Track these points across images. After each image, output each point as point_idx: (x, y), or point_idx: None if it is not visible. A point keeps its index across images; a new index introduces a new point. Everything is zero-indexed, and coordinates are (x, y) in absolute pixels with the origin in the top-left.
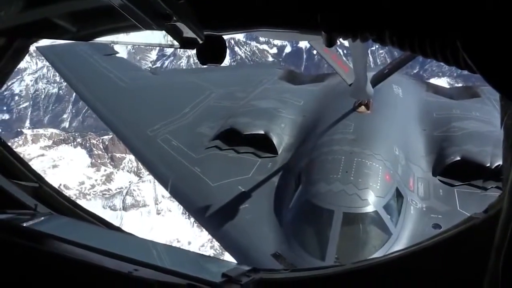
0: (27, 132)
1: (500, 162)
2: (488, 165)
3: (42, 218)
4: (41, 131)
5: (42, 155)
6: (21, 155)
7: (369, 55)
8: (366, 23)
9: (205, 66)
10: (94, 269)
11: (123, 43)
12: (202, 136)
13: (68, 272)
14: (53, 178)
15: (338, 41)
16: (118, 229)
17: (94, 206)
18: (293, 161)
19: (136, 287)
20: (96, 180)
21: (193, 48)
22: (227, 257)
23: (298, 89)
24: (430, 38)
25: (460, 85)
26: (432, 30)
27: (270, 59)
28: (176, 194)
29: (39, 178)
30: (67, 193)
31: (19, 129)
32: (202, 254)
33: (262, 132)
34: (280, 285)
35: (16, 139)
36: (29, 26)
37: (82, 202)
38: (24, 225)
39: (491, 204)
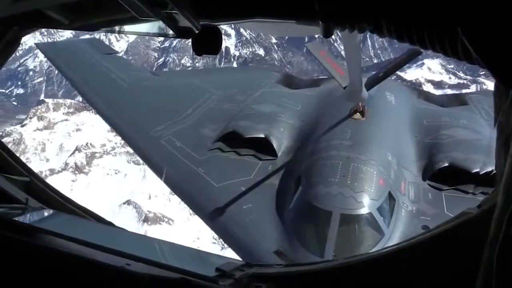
0: (49, 101)
1: (484, 169)
2: (474, 171)
3: (33, 212)
4: (60, 100)
5: (66, 120)
6: (46, 120)
7: (368, 39)
8: (364, 12)
9: (203, 68)
10: (86, 264)
11: (120, 33)
12: (205, 138)
13: (59, 266)
14: (78, 140)
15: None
16: (109, 223)
17: (119, 161)
18: (293, 165)
19: (129, 282)
20: (116, 143)
21: (188, 38)
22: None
23: (296, 93)
24: (428, 26)
25: (452, 65)
26: (431, 18)
27: (274, 41)
28: (181, 193)
29: (30, 172)
30: (92, 150)
31: (40, 99)
32: (196, 249)
33: (262, 135)
34: (273, 280)
35: (39, 106)
36: (21, 17)
37: (107, 158)
38: (15, 219)
39: (485, 199)
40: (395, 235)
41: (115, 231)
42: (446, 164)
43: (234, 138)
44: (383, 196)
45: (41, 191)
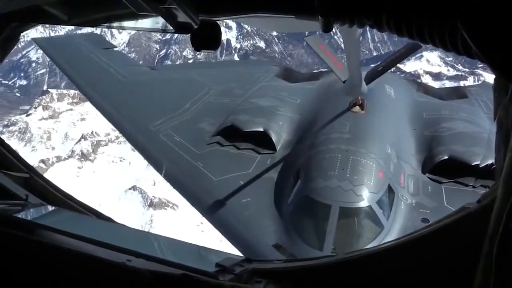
0: (53, 91)
1: (484, 162)
2: (474, 164)
3: (33, 208)
4: (64, 91)
5: (71, 109)
6: (51, 110)
7: (367, 32)
8: (363, 7)
9: (202, 61)
10: (86, 260)
11: (118, 28)
12: (203, 132)
13: (60, 262)
14: (82, 129)
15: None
16: (109, 219)
17: (123, 149)
18: (291, 158)
19: (129, 277)
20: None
21: (187, 33)
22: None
23: (295, 87)
24: (428, 21)
25: (450, 58)
26: (431, 12)
27: (275, 34)
28: (180, 187)
29: (30, 169)
30: (97, 139)
31: (44, 89)
32: (196, 244)
33: (261, 129)
34: (273, 275)
35: (44, 97)
36: (19, 13)
37: (112, 146)
38: (15, 215)
39: (484, 194)
40: (394, 228)
41: (115, 227)
42: (446, 157)
43: (233, 132)
44: (383, 189)
45: (40, 188)
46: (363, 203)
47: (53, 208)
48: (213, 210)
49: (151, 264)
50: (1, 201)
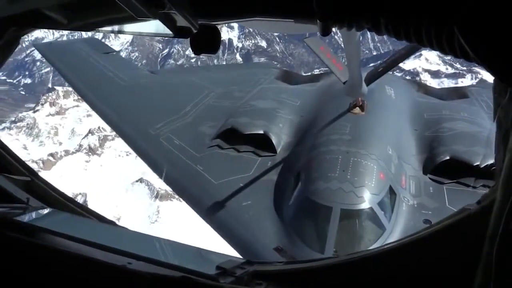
0: (59, 88)
1: (486, 162)
2: (475, 164)
3: (34, 211)
4: (70, 88)
5: (77, 105)
6: (58, 106)
7: (367, 32)
8: (362, 10)
9: (202, 64)
10: (87, 263)
11: (118, 32)
12: (203, 135)
13: (61, 265)
14: (89, 125)
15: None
16: (111, 222)
17: None
18: (292, 160)
19: (130, 280)
20: None
21: (187, 38)
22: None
23: (295, 89)
24: (426, 24)
25: (449, 57)
26: (428, 16)
27: (276, 33)
28: (180, 191)
29: (31, 172)
30: (104, 134)
31: (50, 86)
32: (197, 247)
33: (261, 132)
34: (274, 277)
35: (50, 94)
36: (19, 17)
37: (119, 141)
38: (16, 218)
39: (484, 195)
40: (396, 229)
41: (116, 230)
42: (447, 157)
43: (233, 134)
44: (384, 191)
45: (42, 191)
46: (364, 205)
47: (54, 211)
48: (213, 213)
49: (151, 267)
50: (2, 204)
